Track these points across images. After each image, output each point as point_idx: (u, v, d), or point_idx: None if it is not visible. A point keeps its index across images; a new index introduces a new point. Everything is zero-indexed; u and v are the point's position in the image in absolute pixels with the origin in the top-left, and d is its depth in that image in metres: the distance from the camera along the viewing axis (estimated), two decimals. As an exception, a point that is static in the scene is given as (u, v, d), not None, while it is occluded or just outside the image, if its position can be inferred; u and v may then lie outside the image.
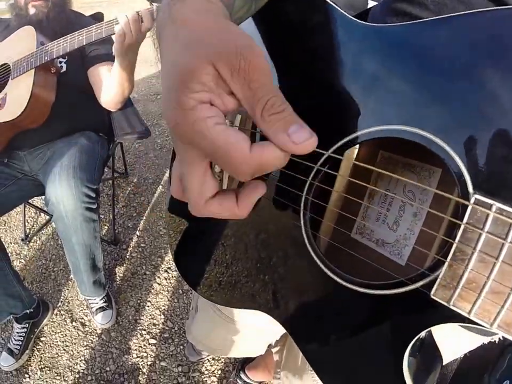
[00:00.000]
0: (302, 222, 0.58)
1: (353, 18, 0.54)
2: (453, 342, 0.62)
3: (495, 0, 0.49)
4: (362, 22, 0.54)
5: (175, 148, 0.38)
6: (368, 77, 0.52)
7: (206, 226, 0.76)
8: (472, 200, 0.42)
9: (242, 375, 1.67)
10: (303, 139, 0.34)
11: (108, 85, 1.69)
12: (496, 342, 0.66)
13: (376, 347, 0.53)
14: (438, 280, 0.45)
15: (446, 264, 0.44)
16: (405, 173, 0.58)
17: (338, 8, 0.55)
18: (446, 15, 0.47)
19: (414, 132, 0.47)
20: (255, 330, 1.01)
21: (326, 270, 0.56)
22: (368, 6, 0.72)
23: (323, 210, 0.60)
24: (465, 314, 0.43)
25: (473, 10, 0.45)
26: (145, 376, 1.76)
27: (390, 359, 0.51)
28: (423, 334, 0.48)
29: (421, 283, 0.47)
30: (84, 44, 1.50)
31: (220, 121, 0.35)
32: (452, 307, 0.44)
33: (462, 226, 0.43)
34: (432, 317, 0.47)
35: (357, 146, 0.56)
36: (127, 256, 2.29)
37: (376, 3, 0.70)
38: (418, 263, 0.53)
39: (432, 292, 0.46)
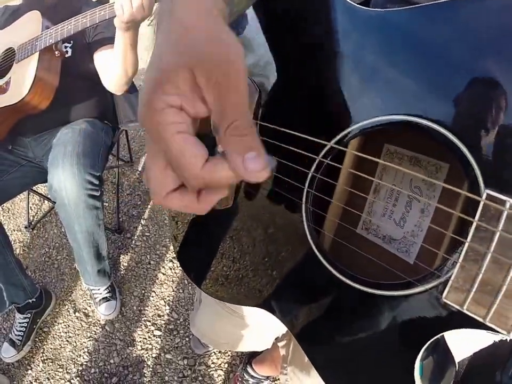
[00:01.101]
0: (304, 217, 0.57)
1: (356, 5, 0.54)
2: (464, 340, 0.61)
3: None
4: (365, 7, 0.53)
5: (145, 136, 0.40)
6: (373, 65, 0.52)
7: (208, 223, 0.76)
8: (484, 196, 0.41)
9: (249, 369, 1.68)
10: (255, 169, 0.36)
11: (112, 66, 1.70)
12: (508, 340, 0.65)
13: (383, 350, 0.52)
14: (450, 282, 0.44)
15: (458, 265, 0.43)
16: (411, 167, 0.57)
17: None
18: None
19: (419, 123, 0.46)
20: (260, 324, 1.00)
21: (330, 268, 0.55)
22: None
23: (327, 204, 0.59)
24: (480, 320, 0.42)
25: None
26: (150, 369, 1.78)
27: (399, 365, 0.50)
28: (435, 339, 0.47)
29: (431, 284, 0.46)
30: (88, 25, 1.51)
31: (183, 129, 0.37)
32: (465, 311, 0.43)
33: (474, 224, 0.42)
34: (445, 322, 0.47)
35: (361, 138, 0.55)
36: (131, 245, 2.30)
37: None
38: (427, 262, 0.52)
39: (444, 295, 0.45)
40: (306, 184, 0.57)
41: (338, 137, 0.54)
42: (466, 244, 0.42)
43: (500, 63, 0.42)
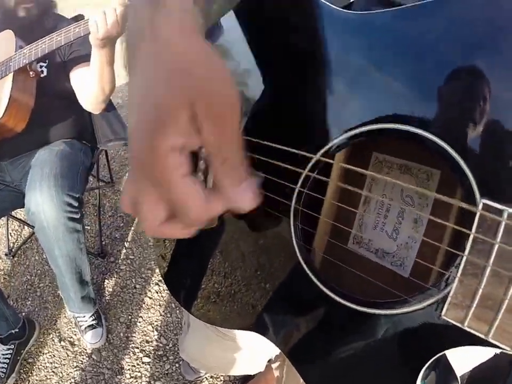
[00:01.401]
0: (293, 234, 0.54)
1: (338, 8, 0.52)
2: (465, 354, 0.59)
3: None
4: (348, 11, 0.52)
5: (131, 166, 0.40)
6: (359, 71, 0.50)
7: (195, 245, 0.74)
8: (480, 206, 0.39)
9: (243, 393, 1.63)
10: (250, 198, 0.38)
11: (89, 84, 1.68)
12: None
13: (382, 371, 0.50)
14: (449, 298, 0.42)
15: (457, 280, 0.41)
16: (402, 176, 0.55)
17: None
18: None
19: (409, 130, 0.44)
20: (252, 348, 0.98)
21: (322, 286, 0.53)
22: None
23: (315, 220, 0.56)
24: (483, 336, 0.40)
25: None
26: (140, 398, 1.72)
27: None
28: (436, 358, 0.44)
29: (429, 301, 0.44)
30: (63, 44, 1.49)
31: (186, 171, 0.37)
32: (466, 328, 0.41)
33: (471, 237, 0.39)
34: (445, 340, 0.45)
35: (349, 149, 0.53)
36: (116, 269, 2.26)
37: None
38: (423, 275, 0.51)
39: (443, 312, 0.43)
40: (293, 200, 0.55)
41: (324, 149, 0.52)
42: (464, 258, 0.40)
43: (491, 63, 0.40)
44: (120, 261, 2.29)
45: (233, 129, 0.37)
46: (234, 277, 0.67)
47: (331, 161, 0.51)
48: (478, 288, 0.40)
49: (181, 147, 0.37)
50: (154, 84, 0.37)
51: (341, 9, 0.52)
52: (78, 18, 2.03)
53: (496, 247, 0.38)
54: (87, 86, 1.69)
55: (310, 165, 0.53)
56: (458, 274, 0.41)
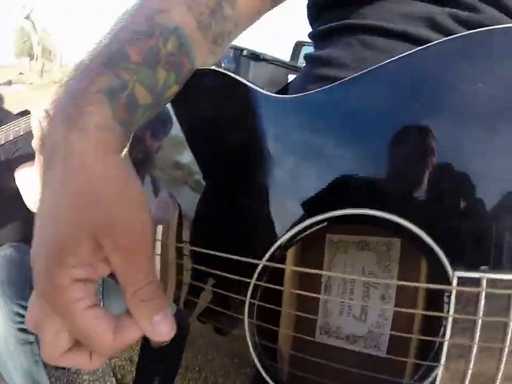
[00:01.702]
0: (248, 334, 0.50)
1: (272, 94, 0.51)
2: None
3: (417, 43, 0.49)
4: (282, 96, 0.51)
5: (34, 286, 0.37)
6: (299, 158, 0.48)
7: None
8: (454, 282, 0.35)
9: None
10: (164, 331, 0.36)
11: (34, 184, 1.64)
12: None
13: None
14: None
15: (441, 368, 0.37)
16: (360, 253, 0.52)
17: (253, 86, 0.52)
18: (369, 69, 0.44)
19: (361, 213, 0.43)
20: None
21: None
22: (289, 81, 0.71)
23: (276, 315, 0.52)
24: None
25: (395, 58, 0.43)
26: None
27: None
28: None
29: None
30: (2, 143, 1.49)
31: (91, 303, 0.36)
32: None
33: (450, 319, 0.35)
34: None
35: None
36: (79, 380, 2.08)
37: (296, 76, 0.71)
38: (400, 350, 0.46)
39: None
40: (248, 295, 0.50)
41: (274, 247, 0.48)
42: (446, 343, 0.37)
43: (425, 122, 0.40)
44: (82, 370, 2.11)
45: (142, 261, 0.36)
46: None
47: (281, 265, 0.49)
48: (467, 369, 0.36)
49: (84, 278, 0.35)
50: (60, 207, 0.35)
51: (274, 95, 0.51)
52: (26, 113, 2.00)
53: (479, 322, 0.35)
54: (32, 186, 1.65)
55: (258, 269, 0.50)
56: (442, 361, 0.37)
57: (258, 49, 3.78)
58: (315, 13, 0.67)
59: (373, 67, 0.44)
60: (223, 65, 3.44)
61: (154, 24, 0.46)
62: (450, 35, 0.41)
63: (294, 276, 0.52)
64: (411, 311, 0.42)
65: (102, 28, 0.51)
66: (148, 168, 0.62)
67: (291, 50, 3.37)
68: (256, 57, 3.49)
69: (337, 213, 0.44)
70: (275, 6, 0.64)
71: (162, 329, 0.36)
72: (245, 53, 3.43)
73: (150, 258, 0.36)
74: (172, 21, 0.48)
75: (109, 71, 0.41)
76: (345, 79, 0.46)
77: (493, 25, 0.38)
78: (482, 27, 0.39)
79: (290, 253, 0.51)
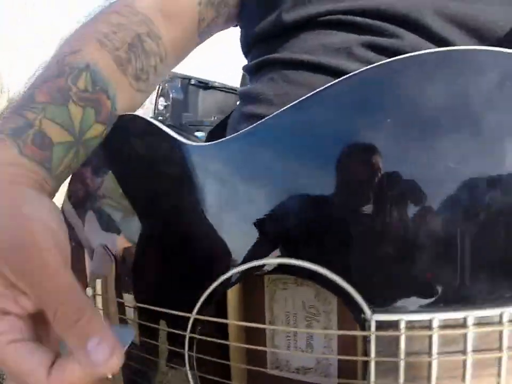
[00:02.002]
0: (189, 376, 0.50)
1: (193, 143, 0.51)
2: None
3: (336, 74, 0.49)
4: (203, 144, 0.52)
5: None
6: (222, 208, 0.48)
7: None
8: (373, 326, 0.36)
9: None
10: (103, 358, 0.31)
11: None
12: None
13: None
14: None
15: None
16: (299, 288, 0.53)
17: (175, 135, 0.53)
18: (289, 105, 0.44)
19: (277, 263, 0.43)
20: None
21: None
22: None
23: (225, 350, 0.52)
24: None
25: (314, 91, 0.43)
26: None
27: None
28: None
29: None
30: None
31: (14, 337, 0.33)
32: None
33: (373, 363, 0.36)
34: None
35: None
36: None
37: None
38: (350, 374, 0.47)
39: None
40: (188, 329, 0.50)
41: (201, 300, 0.48)
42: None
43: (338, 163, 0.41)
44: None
45: (51, 281, 0.33)
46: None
47: (207, 317, 0.49)
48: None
49: (2, 311, 0.33)
50: None
51: (196, 143, 0.51)
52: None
53: (402, 364, 0.36)
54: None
55: (190, 323, 0.49)
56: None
57: (209, 76, 3.71)
58: (245, 46, 0.68)
59: (288, 105, 0.44)
60: (171, 95, 3.42)
61: (64, 65, 0.47)
62: (370, 64, 0.41)
63: (238, 312, 0.53)
64: (344, 357, 0.42)
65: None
66: (92, 203, 0.62)
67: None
68: (204, 85, 3.51)
69: (252, 264, 0.44)
70: (202, 41, 0.64)
71: (99, 357, 0.30)
72: (192, 81, 3.45)
73: (58, 278, 0.33)
74: (83, 59, 0.48)
75: (15, 114, 0.43)
76: (263, 120, 0.46)
77: (414, 52, 0.39)
78: (404, 53, 0.39)
79: (230, 293, 0.51)
